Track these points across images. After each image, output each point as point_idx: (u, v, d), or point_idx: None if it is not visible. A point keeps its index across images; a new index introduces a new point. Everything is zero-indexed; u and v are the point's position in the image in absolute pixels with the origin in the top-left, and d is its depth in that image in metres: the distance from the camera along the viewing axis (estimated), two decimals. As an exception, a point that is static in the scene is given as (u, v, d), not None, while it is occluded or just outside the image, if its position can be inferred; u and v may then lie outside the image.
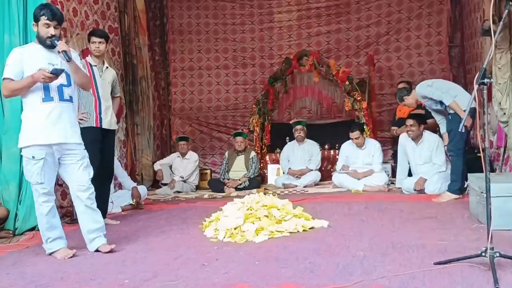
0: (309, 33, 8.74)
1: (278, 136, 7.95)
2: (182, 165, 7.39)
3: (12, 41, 4.50)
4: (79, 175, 3.44)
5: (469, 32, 7.31)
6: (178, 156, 7.54)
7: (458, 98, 4.98)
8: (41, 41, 3.40)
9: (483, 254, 2.50)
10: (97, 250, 3.47)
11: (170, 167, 7.55)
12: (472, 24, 7.03)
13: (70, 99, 3.46)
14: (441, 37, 8.16)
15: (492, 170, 5.54)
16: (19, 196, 4.42)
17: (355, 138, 6.42)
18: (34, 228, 4.38)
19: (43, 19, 3.34)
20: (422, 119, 5.93)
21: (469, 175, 4.47)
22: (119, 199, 5.50)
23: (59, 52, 3.36)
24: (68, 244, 3.60)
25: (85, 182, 3.45)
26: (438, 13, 8.17)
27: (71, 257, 3.35)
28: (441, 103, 5.13)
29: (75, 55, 3.59)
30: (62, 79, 3.40)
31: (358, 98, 7.44)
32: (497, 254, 2.47)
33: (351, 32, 8.58)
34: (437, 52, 8.17)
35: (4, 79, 3.35)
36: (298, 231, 3.75)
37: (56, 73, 3.28)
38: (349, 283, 2.43)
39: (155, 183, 7.62)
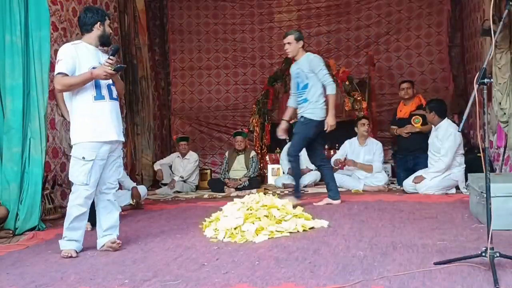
0: (309, 33, 8.73)
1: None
2: (182, 165, 7.40)
3: (14, 41, 4.50)
4: (110, 174, 3.55)
5: (469, 32, 7.31)
6: (178, 156, 7.54)
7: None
8: (105, 39, 3.54)
9: (483, 254, 2.50)
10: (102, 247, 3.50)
11: (170, 167, 7.55)
12: (472, 24, 7.03)
13: (117, 98, 3.58)
14: (441, 37, 8.16)
15: (492, 170, 5.54)
16: (20, 196, 4.42)
17: (366, 124, 6.42)
18: (34, 228, 4.39)
19: (107, 20, 3.55)
20: (424, 118, 5.90)
21: (469, 175, 4.47)
22: (119, 199, 5.40)
23: (110, 60, 3.39)
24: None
25: (113, 181, 3.58)
26: (438, 13, 8.17)
27: (69, 257, 3.34)
28: (307, 87, 4.91)
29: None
30: (109, 80, 3.49)
31: (358, 98, 7.44)
32: (497, 254, 2.47)
33: (351, 32, 8.59)
34: (437, 52, 8.17)
35: (58, 73, 3.36)
36: (298, 231, 3.75)
37: (118, 69, 3.37)
38: (349, 283, 2.43)
39: (155, 183, 7.63)
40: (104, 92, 3.46)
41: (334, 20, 8.67)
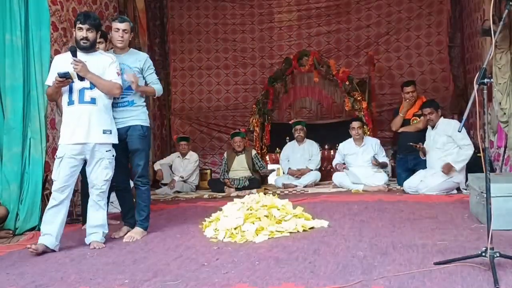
0: (309, 33, 8.74)
1: (278, 136, 7.95)
2: (182, 165, 7.40)
3: (14, 41, 4.50)
4: (96, 175, 3.64)
5: (469, 32, 7.31)
6: (178, 156, 7.54)
7: None
8: (77, 43, 3.64)
9: (483, 254, 2.50)
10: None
11: (170, 167, 7.55)
12: (472, 24, 7.03)
13: (92, 101, 3.60)
14: (441, 37, 8.16)
15: (492, 170, 5.54)
16: (20, 196, 4.42)
17: (358, 127, 6.40)
18: (34, 228, 4.39)
19: (77, 23, 3.62)
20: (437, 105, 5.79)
21: (469, 175, 4.47)
22: (119, 199, 5.48)
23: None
24: (68, 243, 3.65)
25: (99, 182, 3.64)
26: (438, 13, 8.18)
27: (34, 252, 3.39)
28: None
29: (105, 58, 3.73)
30: (85, 83, 3.58)
31: (358, 98, 7.45)
32: (497, 254, 2.47)
33: (351, 32, 8.59)
34: (437, 52, 8.17)
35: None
36: (298, 231, 3.75)
37: (61, 76, 3.44)
38: (349, 283, 2.43)
39: (155, 183, 7.62)
40: (75, 97, 3.58)
41: (334, 20, 8.67)
